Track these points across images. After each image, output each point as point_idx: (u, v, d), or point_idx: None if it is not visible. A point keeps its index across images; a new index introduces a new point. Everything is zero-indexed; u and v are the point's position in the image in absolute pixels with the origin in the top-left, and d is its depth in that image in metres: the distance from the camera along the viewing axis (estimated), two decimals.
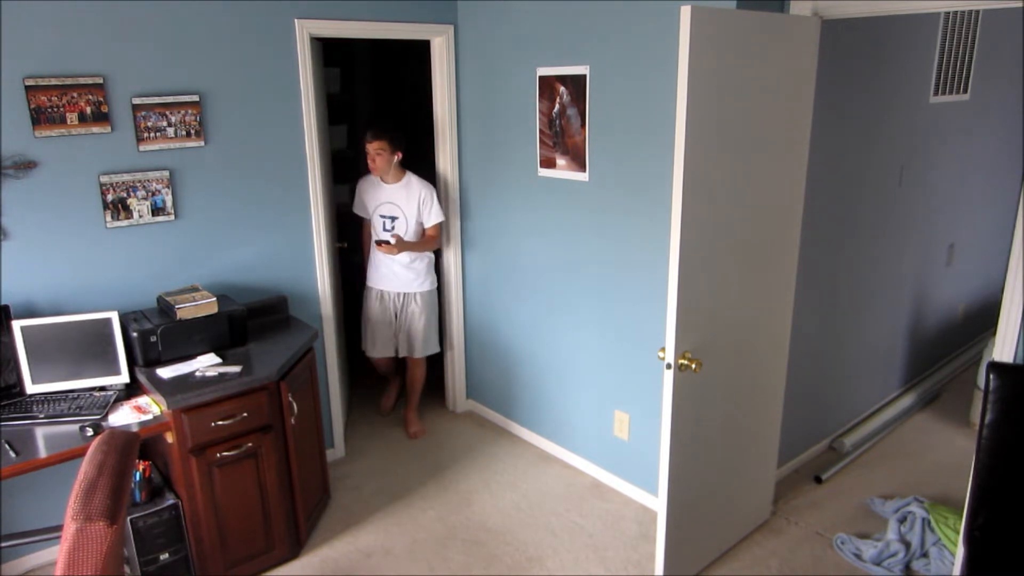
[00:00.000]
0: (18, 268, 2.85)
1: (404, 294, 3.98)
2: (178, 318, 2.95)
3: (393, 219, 3.85)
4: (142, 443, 2.57)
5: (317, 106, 3.58)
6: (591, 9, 3.20)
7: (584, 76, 3.29)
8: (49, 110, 2.79)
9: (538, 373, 3.98)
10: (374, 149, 3.72)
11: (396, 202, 3.84)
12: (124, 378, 2.89)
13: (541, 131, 3.58)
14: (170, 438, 2.71)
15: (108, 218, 3.00)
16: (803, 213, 3.02)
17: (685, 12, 2.25)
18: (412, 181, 3.85)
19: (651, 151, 3.09)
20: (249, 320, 3.21)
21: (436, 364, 4.82)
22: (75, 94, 2.83)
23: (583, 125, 3.34)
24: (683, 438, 2.67)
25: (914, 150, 4.04)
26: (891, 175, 3.92)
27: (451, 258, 4.25)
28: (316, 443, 3.38)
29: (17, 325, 2.74)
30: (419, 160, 5.34)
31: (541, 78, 3.51)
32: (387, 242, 3.77)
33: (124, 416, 2.69)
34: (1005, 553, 2.24)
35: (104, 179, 2.96)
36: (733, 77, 2.48)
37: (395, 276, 3.95)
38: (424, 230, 3.93)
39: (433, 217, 3.89)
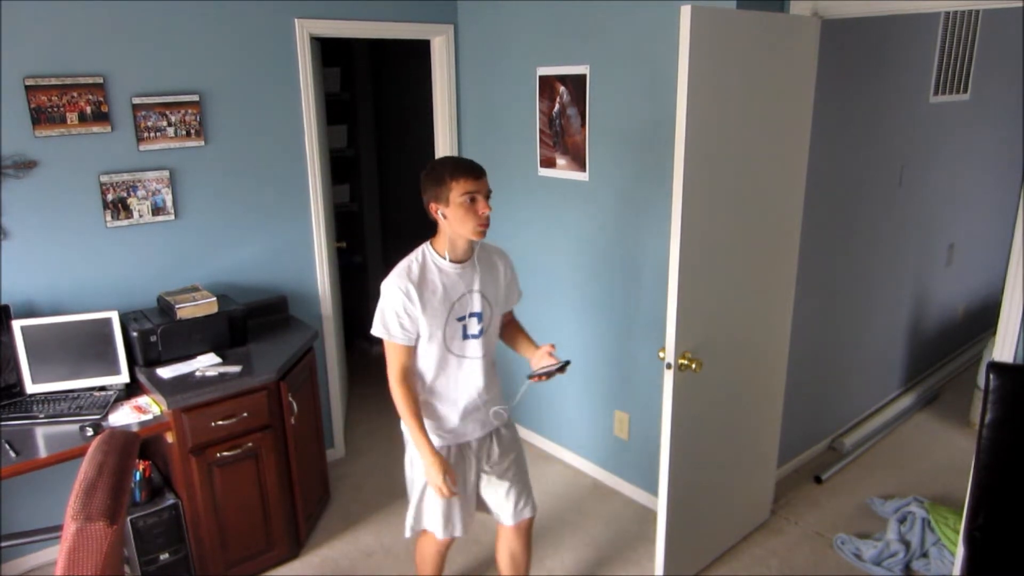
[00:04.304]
0: (18, 268, 2.85)
1: (494, 429, 2.45)
2: (178, 318, 2.95)
3: (479, 317, 2.30)
4: (142, 443, 2.57)
5: (317, 106, 3.58)
6: (591, 9, 3.20)
7: (584, 76, 3.29)
8: (49, 110, 2.79)
9: None
10: (484, 193, 2.17)
11: (480, 288, 2.29)
12: (124, 378, 2.89)
13: (541, 131, 3.58)
14: (170, 438, 2.71)
15: (108, 218, 3.00)
16: (803, 213, 3.02)
17: (685, 12, 2.25)
18: (487, 248, 2.39)
19: (651, 151, 3.09)
20: (249, 320, 3.21)
21: None
22: (75, 94, 2.83)
23: (583, 125, 3.34)
24: (683, 438, 2.67)
25: (914, 150, 4.04)
26: (891, 175, 3.92)
27: None
28: (316, 443, 3.38)
29: (17, 325, 2.74)
30: (419, 161, 5.33)
31: (541, 78, 3.50)
32: (559, 367, 2.25)
33: (124, 416, 2.69)
34: (1005, 553, 2.24)
35: (104, 179, 2.96)
36: (733, 77, 2.48)
37: (485, 410, 2.39)
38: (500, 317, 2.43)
39: (517, 294, 2.50)
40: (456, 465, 2.36)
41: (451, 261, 2.23)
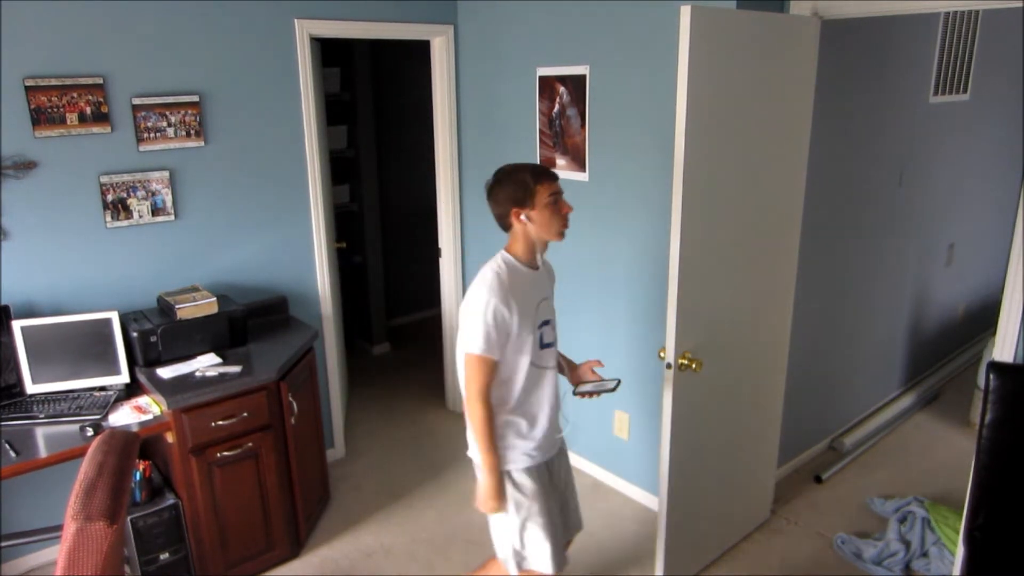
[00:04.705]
0: (18, 268, 2.85)
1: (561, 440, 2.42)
2: (178, 318, 2.95)
3: (550, 323, 2.28)
4: (142, 443, 2.57)
5: (317, 106, 3.58)
6: (591, 9, 3.20)
7: (584, 76, 3.29)
8: (49, 110, 2.79)
9: None
10: (562, 193, 2.21)
11: (548, 295, 2.30)
12: (124, 378, 2.89)
13: (541, 131, 3.58)
14: (170, 438, 2.71)
15: (108, 218, 3.00)
16: (803, 213, 3.02)
17: (685, 12, 2.25)
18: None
19: (651, 151, 3.09)
20: (249, 320, 3.21)
21: (436, 365, 4.83)
22: (75, 94, 2.83)
23: (583, 125, 3.34)
24: (683, 438, 2.67)
25: (914, 150, 4.04)
26: (891, 175, 3.92)
27: (450, 259, 4.25)
28: (316, 443, 3.38)
29: (17, 325, 2.74)
30: (420, 161, 5.34)
31: (541, 78, 3.50)
32: (613, 388, 2.31)
33: (124, 416, 2.69)
34: (1005, 553, 2.24)
35: (104, 179, 2.96)
36: (733, 77, 2.48)
37: (557, 424, 2.36)
38: None
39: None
40: (548, 485, 2.29)
41: (525, 268, 2.20)
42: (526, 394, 2.21)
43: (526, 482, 2.23)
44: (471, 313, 2.11)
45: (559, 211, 2.16)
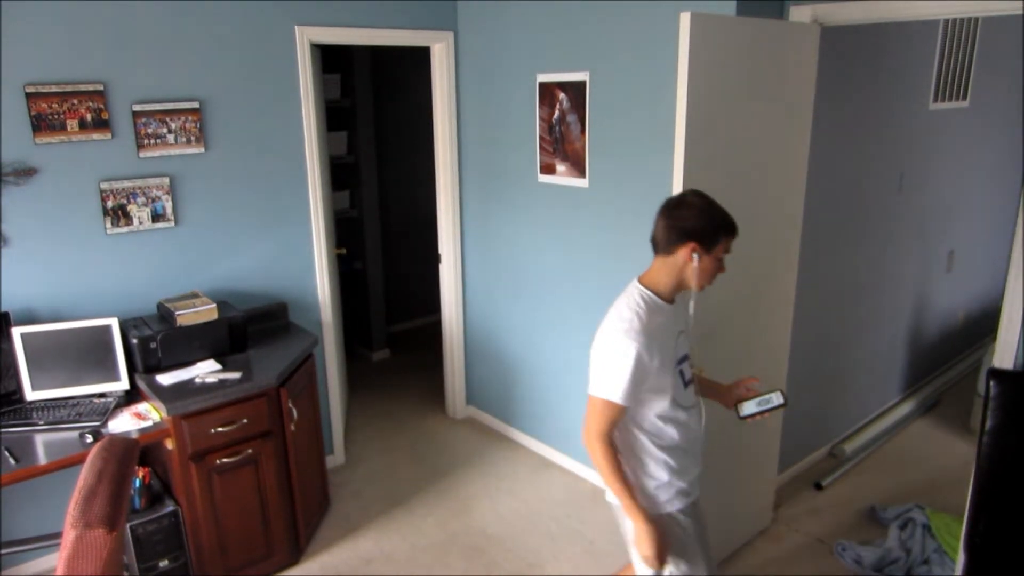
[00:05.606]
0: (18, 275, 2.85)
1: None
2: (178, 324, 2.95)
3: (687, 359, 2.15)
4: (142, 450, 2.56)
5: (317, 112, 3.59)
6: (591, 16, 3.21)
7: (584, 83, 3.29)
8: (49, 117, 2.79)
9: (538, 379, 3.97)
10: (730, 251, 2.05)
11: (684, 328, 2.14)
12: (124, 385, 2.89)
13: (541, 137, 3.58)
14: (170, 445, 2.70)
15: (108, 224, 3.00)
16: (803, 219, 3.03)
17: (685, 19, 2.26)
18: None
19: (651, 157, 3.09)
20: (249, 326, 3.21)
21: (436, 371, 4.82)
22: (75, 101, 2.83)
23: (583, 131, 3.35)
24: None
25: (914, 157, 4.05)
26: (891, 181, 3.92)
27: (450, 265, 4.25)
28: (316, 449, 3.37)
29: (17, 332, 2.74)
30: (420, 167, 5.35)
31: (541, 84, 3.51)
32: (783, 403, 2.17)
33: (124, 423, 2.68)
34: (1006, 560, 2.24)
35: (104, 185, 2.96)
36: (733, 84, 2.49)
37: (700, 459, 2.23)
38: None
39: None
40: (698, 520, 2.16)
41: (663, 303, 2.04)
42: (675, 432, 2.07)
43: (686, 523, 2.10)
44: (606, 354, 1.99)
45: (721, 268, 2.03)
